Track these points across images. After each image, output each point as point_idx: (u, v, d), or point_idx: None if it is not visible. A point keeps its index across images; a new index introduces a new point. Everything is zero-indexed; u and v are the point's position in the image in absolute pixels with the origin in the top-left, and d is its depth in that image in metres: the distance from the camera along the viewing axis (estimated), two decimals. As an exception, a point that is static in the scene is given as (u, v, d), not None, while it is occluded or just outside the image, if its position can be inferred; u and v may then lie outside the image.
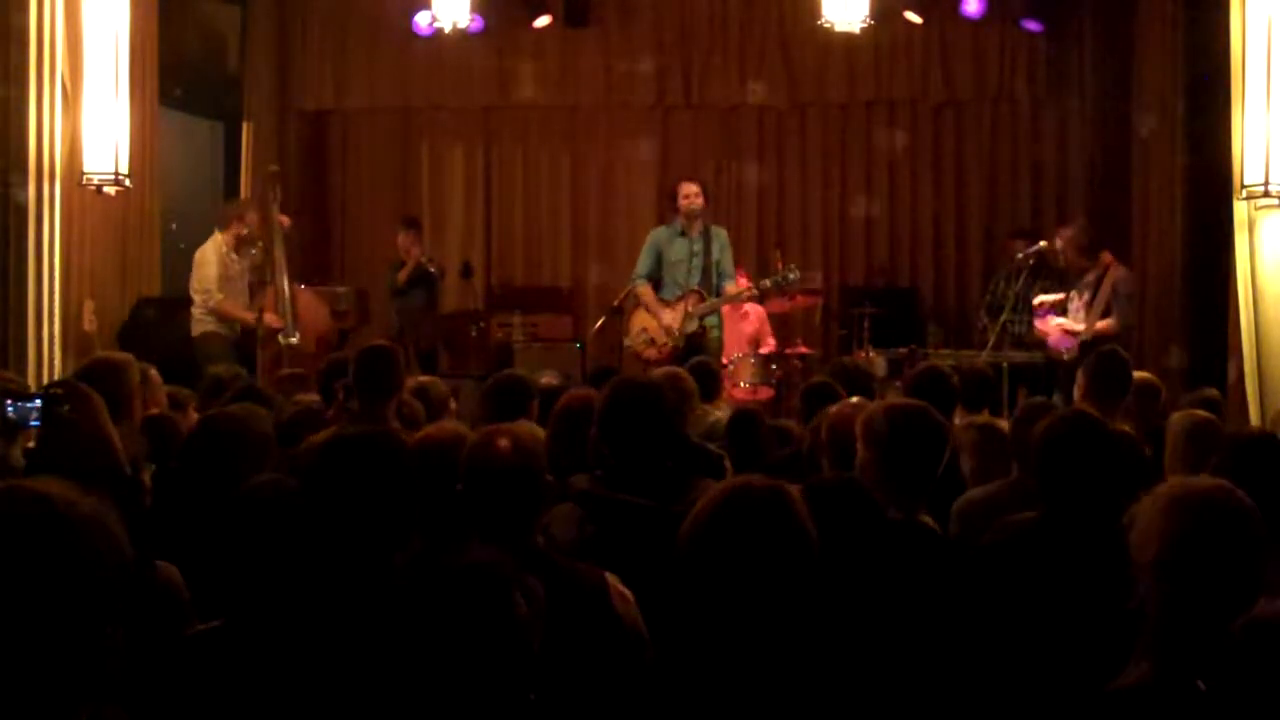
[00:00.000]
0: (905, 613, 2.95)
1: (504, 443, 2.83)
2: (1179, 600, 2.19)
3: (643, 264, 8.56)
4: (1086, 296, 7.69)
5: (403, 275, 9.69)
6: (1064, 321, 7.75)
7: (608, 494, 3.34)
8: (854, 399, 4.33)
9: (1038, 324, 7.94)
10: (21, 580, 1.59)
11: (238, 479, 3.50)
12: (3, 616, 1.59)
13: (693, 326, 8.27)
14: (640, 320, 8.55)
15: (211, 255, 8.28)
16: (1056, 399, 6.69)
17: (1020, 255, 8.23)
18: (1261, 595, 2.20)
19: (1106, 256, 7.81)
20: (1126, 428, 4.40)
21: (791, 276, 8.55)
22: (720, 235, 8.50)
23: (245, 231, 8.35)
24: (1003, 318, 8.15)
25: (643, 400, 3.53)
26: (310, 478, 2.80)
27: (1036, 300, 7.99)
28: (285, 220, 8.48)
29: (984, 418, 5.08)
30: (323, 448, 2.89)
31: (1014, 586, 3.15)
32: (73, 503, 1.66)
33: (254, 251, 8.43)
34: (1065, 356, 7.52)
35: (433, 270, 9.80)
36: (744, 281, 8.73)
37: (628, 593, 2.84)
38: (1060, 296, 7.92)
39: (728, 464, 4.84)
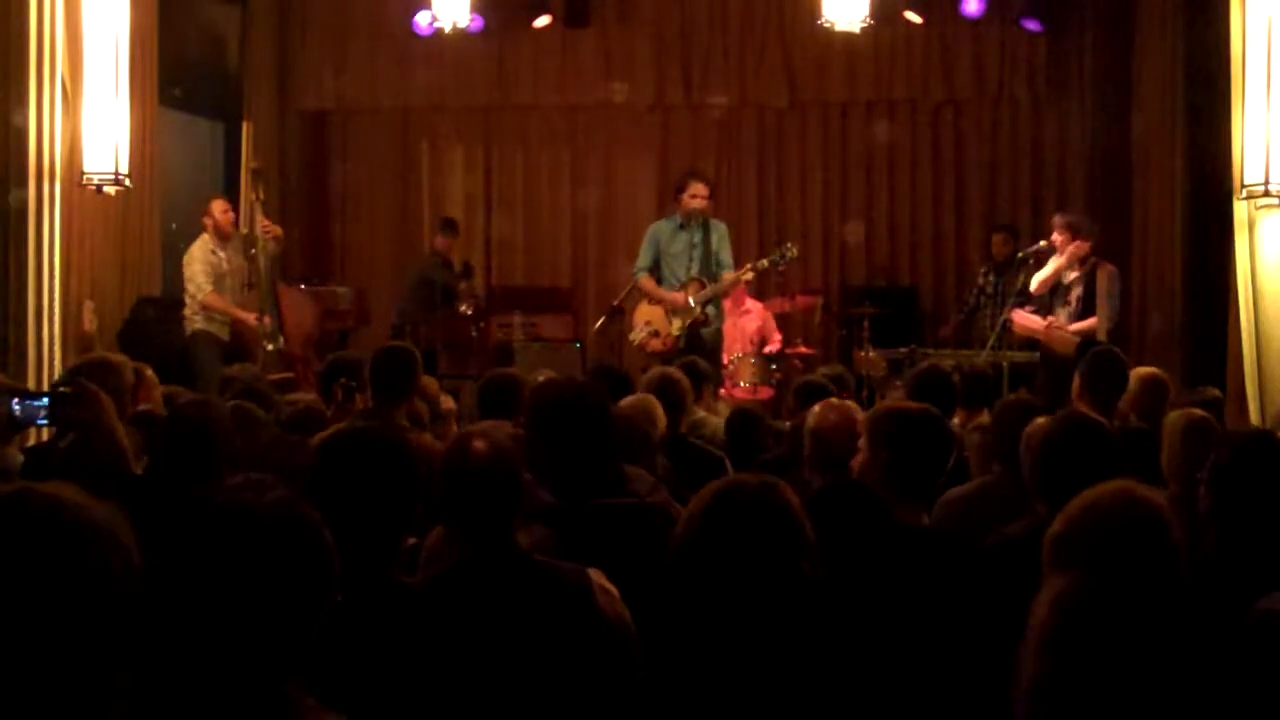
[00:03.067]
0: (912, 615, 2.94)
1: (479, 445, 2.84)
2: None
3: (644, 257, 8.58)
4: (1078, 293, 7.67)
5: (463, 285, 9.85)
6: (1052, 319, 7.71)
7: (577, 503, 3.32)
8: (835, 401, 4.32)
9: (1021, 321, 7.89)
10: (27, 588, 1.57)
11: (209, 472, 3.52)
12: (8, 625, 1.57)
13: (695, 313, 8.28)
14: (644, 313, 8.57)
15: (196, 252, 8.31)
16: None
17: (1021, 254, 8.22)
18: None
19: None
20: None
21: (789, 255, 8.53)
22: (719, 228, 8.49)
23: (211, 221, 8.35)
24: (1004, 316, 8.14)
25: (572, 401, 3.52)
26: (312, 475, 2.80)
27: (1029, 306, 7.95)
28: (270, 227, 8.47)
29: (985, 418, 5.09)
30: (321, 445, 2.89)
31: (1019, 590, 3.13)
32: (84, 508, 1.63)
33: (254, 251, 8.43)
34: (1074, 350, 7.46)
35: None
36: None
37: (613, 589, 2.83)
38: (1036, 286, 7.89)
39: (728, 464, 4.86)
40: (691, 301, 8.27)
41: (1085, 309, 7.60)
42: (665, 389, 4.92)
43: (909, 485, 3.34)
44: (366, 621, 2.53)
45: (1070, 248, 7.62)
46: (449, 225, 10.28)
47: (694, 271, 8.34)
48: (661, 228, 8.63)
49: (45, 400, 3.72)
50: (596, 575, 2.81)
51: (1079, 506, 2.32)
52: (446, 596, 2.72)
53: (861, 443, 3.51)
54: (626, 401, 4.55)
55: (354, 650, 2.44)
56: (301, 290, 9.38)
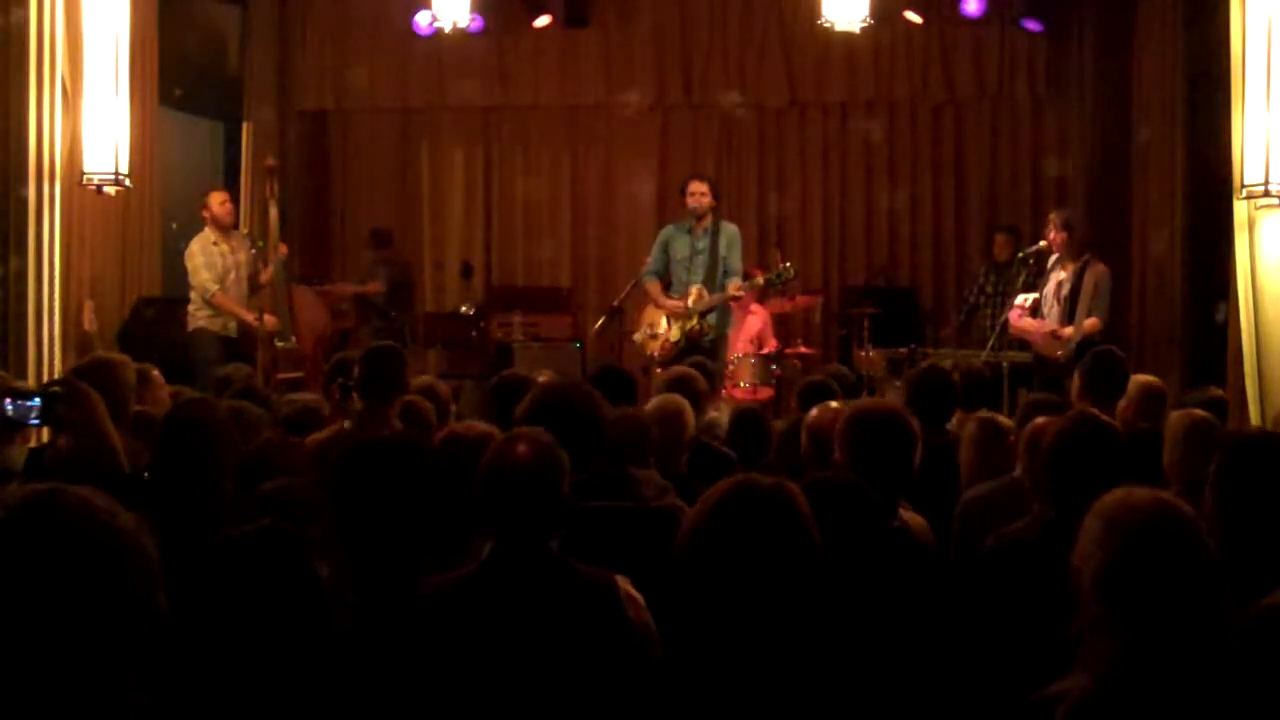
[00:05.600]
0: (877, 617, 2.93)
1: (523, 448, 2.81)
2: (1119, 622, 2.13)
3: (653, 261, 8.58)
4: (1066, 292, 7.68)
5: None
6: (1044, 322, 7.73)
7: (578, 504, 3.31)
8: (833, 403, 4.32)
9: (1015, 323, 7.91)
10: (50, 589, 1.55)
11: (207, 472, 3.51)
12: (27, 626, 1.56)
13: (691, 324, 8.26)
14: (647, 316, 8.58)
15: (196, 247, 8.28)
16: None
17: (1021, 254, 8.23)
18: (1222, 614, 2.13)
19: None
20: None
21: (787, 275, 8.53)
22: (729, 231, 8.43)
23: (209, 214, 8.33)
24: (1003, 316, 8.15)
25: (568, 402, 3.51)
26: (337, 486, 2.76)
27: (1021, 299, 7.97)
28: (283, 248, 8.49)
29: (985, 413, 5.07)
30: (345, 456, 2.83)
31: (1024, 594, 3.12)
32: (113, 514, 1.63)
33: (254, 251, 8.42)
34: (1060, 356, 7.49)
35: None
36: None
37: (637, 595, 2.83)
38: (1035, 297, 7.91)
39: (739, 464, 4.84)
40: (689, 305, 8.25)
41: (1073, 309, 7.62)
42: (683, 388, 4.91)
43: (873, 486, 3.33)
44: (389, 637, 2.50)
45: (1083, 267, 7.63)
46: (381, 238, 10.25)
47: (697, 277, 8.31)
48: (668, 231, 8.62)
49: (38, 400, 3.72)
50: (623, 582, 2.80)
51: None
52: (469, 597, 2.71)
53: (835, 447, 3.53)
54: (654, 402, 4.56)
55: (379, 664, 2.43)
56: (314, 290, 9.38)
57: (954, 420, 5.13)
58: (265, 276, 8.38)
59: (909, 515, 3.62)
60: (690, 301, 8.26)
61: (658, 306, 8.48)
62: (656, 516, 3.46)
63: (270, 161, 8.91)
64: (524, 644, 2.66)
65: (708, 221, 8.37)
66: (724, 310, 8.44)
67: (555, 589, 2.73)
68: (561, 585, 2.74)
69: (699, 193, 8.35)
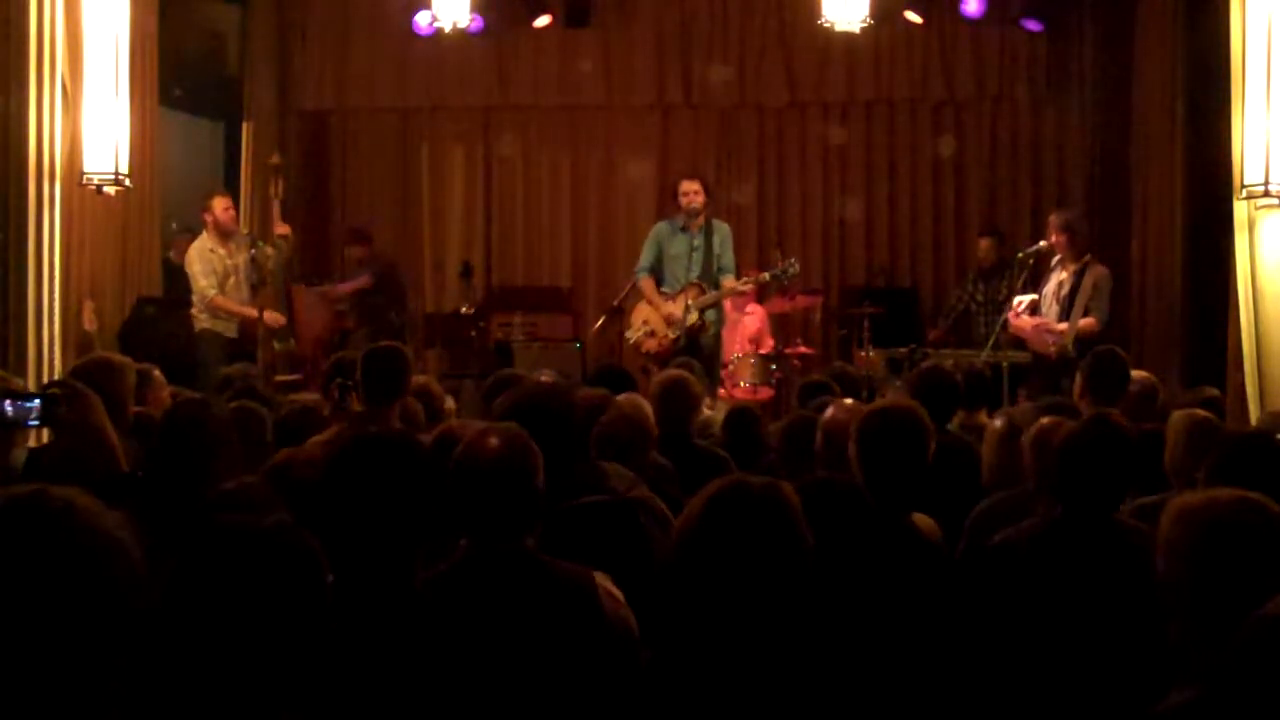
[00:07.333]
0: (883, 614, 2.93)
1: (494, 441, 2.80)
2: (1220, 624, 2.10)
3: (645, 258, 8.59)
4: (1065, 292, 7.68)
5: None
6: (1042, 320, 7.73)
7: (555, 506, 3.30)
8: (847, 400, 4.30)
9: (1013, 322, 7.91)
10: (34, 589, 1.56)
11: (204, 472, 3.51)
12: (11, 625, 1.56)
13: (692, 319, 8.27)
14: (642, 313, 8.58)
15: (194, 253, 8.27)
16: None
17: (1022, 254, 8.23)
18: None
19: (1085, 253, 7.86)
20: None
21: (791, 271, 8.55)
22: (721, 229, 8.48)
23: (211, 218, 8.31)
24: (1003, 316, 8.15)
25: (545, 407, 3.51)
26: (331, 482, 2.76)
27: (1016, 300, 7.97)
28: (285, 229, 8.46)
29: (984, 418, 5.07)
30: (335, 451, 2.83)
31: (1030, 590, 3.12)
32: (96, 514, 1.63)
33: (254, 251, 8.42)
34: (1052, 351, 7.49)
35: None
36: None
37: (617, 592, 2.81)
38: (1034, 297, 7.91)
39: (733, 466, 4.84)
40: (689, 304, 8.26)
41: (1071, 309, 7.62)
42: (677, 391, 4.91)
43: (883, 484, 3.33)
44: (388, 632, 2.49)
45: (1084, 267, 7.62)
46: (357, 235, 10.09)
47: (694, 275, 8.33)
48: (662, 229, 8.63)
49: (36, 401, 3.71)
50: (602, 578, 2.79)
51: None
52: (445, 595, 2.69)
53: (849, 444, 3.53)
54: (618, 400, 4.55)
55: (375, 660, 2.42)
56: (314, 291, 9.38)
57: (955, 420, 5.13)
58: (284, 238, 8.35)
59: (915, 514, 3.62)
60: (690, 298, 8.27)
61: (651, 304, 8.48)
62: (628, 508, 3.46)
63: (275, 159, 8.91)
64: (498, 643, 2.63)
65: (701, 220, 8.40)
66: (718, 308, 8.47)
67: (530, 586, 2.70)
68: (537, 583, 2.71)
69: (692, 191, 8.39)
